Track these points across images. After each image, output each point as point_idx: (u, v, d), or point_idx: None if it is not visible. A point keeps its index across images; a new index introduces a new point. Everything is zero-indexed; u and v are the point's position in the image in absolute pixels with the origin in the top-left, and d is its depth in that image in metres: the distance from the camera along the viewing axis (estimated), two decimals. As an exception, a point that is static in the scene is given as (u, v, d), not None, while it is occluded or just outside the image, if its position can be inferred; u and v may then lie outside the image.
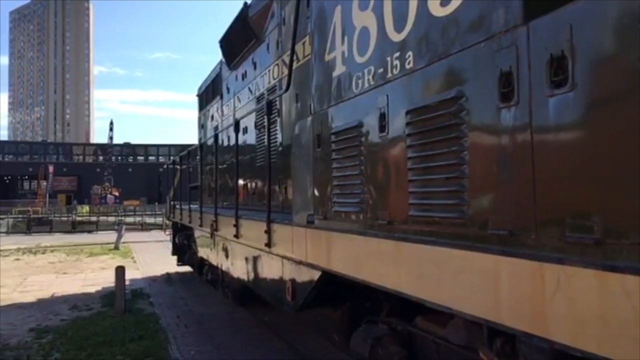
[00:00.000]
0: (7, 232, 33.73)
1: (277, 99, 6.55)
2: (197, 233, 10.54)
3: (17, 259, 18.91)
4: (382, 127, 3.27)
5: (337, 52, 3.96)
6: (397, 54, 3.15)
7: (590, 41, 1.87)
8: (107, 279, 12.56)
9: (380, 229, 3.26)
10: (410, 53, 3.02)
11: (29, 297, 11.37)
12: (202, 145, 10.82)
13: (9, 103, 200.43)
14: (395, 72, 3.17)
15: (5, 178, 79.13)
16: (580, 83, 1.89)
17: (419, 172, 2.89)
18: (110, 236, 26.31)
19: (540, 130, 2.07)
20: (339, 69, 3.92)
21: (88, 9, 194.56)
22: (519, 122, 2.17)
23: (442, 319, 3.18)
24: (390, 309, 3.97)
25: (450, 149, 2.61)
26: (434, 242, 2.70)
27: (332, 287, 4.29)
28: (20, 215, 40.76)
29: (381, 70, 3.32)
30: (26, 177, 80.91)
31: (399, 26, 3.14)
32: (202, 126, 13.03)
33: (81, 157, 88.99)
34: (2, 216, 39.35)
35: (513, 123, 2.20)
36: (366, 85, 3.52)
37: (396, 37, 3.16)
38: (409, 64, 3.03)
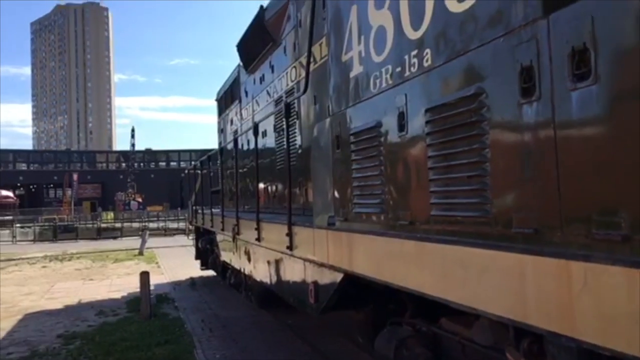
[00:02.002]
0: (34, 240, 34.34)
1: (295, 101, 6.55)
2: (219, 237, 10.61)
3: (44, 267, 19.24)
4: (402, 127, 3.24)
5: (354, 52, 3.94)
6: (414, 52, 3.11)
7: (612, 32, 1.82)
8: (132, 285, 12.69)
9: (401, 230, 3.23)
10: (428, 51, 2.99)
11: (57, 304, 11.55)
12: (222, 149, 10.87)
13: (33, 113, 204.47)
14: (413, 70, 3.14)
15: (31, 187, 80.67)
16: (603, 76, 1.85)
17: (440, 171, 2.86)
18: (134, 242, 26.61)
19: (563, 125, 2.03)
20: (356, 69, 3.90)
21: (107, 17, 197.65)
22: (541, 117, 2.13)
23: (467, 320, 3.14)
24: (415, 310, 3.93)
25: (471, 146, 2.58)
26: (457, 242, 2.66)
27: (355, 288, 4.27)
28: (46, 223, 41.46)
29: (399, 69, 3.30)
30: (51, 185, 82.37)
31: (415, 24, 3.11)
32: (221, 130, 13.10)
33: (104, 164, 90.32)
34: (29, 224, 40.10)
35: (535, 118, 2.16)
36: (384, 84, 3.49)
37: (413, 35, 3.13)
38: (427, 61, 2.99)
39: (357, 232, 3.83)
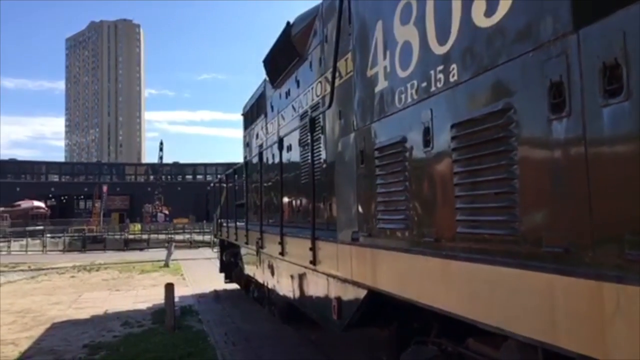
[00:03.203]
0: (64, 250, 35.00)
1: (320, 115, 6.56)
2: (243, 250, 10.63)
3: (73, 277, 19.56)
4: (427, 142, 3.20)
5: (379, 68, 3.93)
6: (440, 67, 3.08)
7: (646, 47, 1.77)
8: (157, 296, 12.78)
9: (427, 247, 3.18)
10: (454, 66, 2.95)
11: (83, 314, 11.69)
12: (247, 163, 10.93)
13: (66, 126, 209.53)
14: (439, 85, 3.10)
15: (63, 198, 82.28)
16: (636, 91, 1.79)
17: (467, 187, 2.81)
18: (160, 253, 26.88)
19: (594, 141, 1.97)
20: (382, 84, 3.88)
21: (139, 34, 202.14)
22: (571, 133, 2.07)
23: (495, 341, 3.06)
24: (440, 329, 3.85)
25: (499, 162, 2.53)
26: (484, 260, 2.60)
27: (379, 305, 4.20)
28: (76, 234, 42.21)
29: (424, 84, 3.26)
30: (82, 196, 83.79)
31: (442, 39, 3.08)
32: (247, 144, 13.18)
33: (133, 176, 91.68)
34: (59, 234, 40.89)
35: (565, 135, 2.10)
36: (409, 99, 3.46)
37: (439, 50, 3.10)
38: (453, 76, 2.96)
39: (381, 248, 3.78)
